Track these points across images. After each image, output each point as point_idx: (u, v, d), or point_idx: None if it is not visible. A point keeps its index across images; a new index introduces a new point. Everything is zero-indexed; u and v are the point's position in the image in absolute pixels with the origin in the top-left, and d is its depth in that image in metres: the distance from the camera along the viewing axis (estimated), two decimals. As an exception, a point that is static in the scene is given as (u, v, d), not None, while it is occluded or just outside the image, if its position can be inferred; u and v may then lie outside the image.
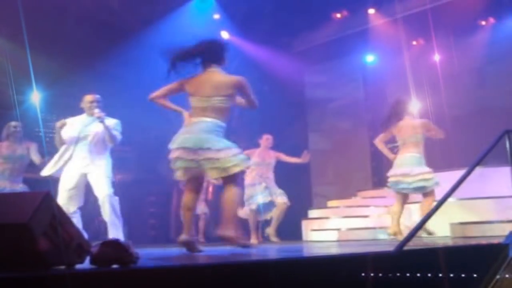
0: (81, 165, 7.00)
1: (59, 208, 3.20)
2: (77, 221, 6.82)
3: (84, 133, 7.09)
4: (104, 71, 10.27)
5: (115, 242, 3.15)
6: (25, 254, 2.93)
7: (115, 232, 6.88)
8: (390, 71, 13.26)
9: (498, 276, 4.67)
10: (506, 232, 5.28)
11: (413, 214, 8.82)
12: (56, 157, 7.05)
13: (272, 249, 6.45)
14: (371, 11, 12.71)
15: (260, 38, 12.65)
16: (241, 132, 11.49)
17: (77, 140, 7.07)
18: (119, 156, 9.38)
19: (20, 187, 8.17)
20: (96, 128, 7.07)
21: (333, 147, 13.30)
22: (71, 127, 7.11)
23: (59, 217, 3.13)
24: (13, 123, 8.30)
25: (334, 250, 5.24)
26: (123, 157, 7.55)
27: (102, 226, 9.83)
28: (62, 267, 3.00)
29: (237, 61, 12.69)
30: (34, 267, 2.89)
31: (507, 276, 4.72)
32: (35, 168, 8.01)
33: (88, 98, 7.15)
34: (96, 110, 7.01)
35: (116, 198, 7.00)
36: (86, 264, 3.11)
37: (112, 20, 10.73)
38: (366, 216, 10.17)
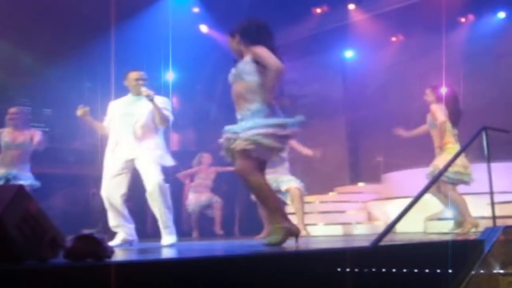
0: (127, 150, 6.39)
1: (33, 202, 3.16)
2: (123, 211, 6.44)
3: (128, 114, 6.46)
4: (81, 65, 10.20)
5: (89, 236, 3.12)
6: (-3, 248, 2.90)
7: (165, 227, 6.35)
8: (369, 67, 13.30)
9: (473, 272, 4.71)
10: (482, 228, 5.32)
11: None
12: (111, 145, 6.48)
13: (249, 244, 6.43)
14: (351, 6, 12.72)
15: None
16: (217, 126, 11.44)
17: (120, 123, 6.48)
18: (92, 150, 9.33)
19: (26, 176, 7.99)
20: (143, 108, 6.43)
21: (311, 142, 13.32)
22: (114, 109, 6.59)
23: (33, 211, 3.09)
24: (11, 110, 8.13)
25: (310, 246, 5.24)
26: (95, 151, 7.32)
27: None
28: (35, 261, 2.97)
29: (216, 55, 12.67)
30: (5, 261, 2.85)
31: (482, 271, 4.76)
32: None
33: (133, 75, 6.51)
34: (144, 88, 6.32)
35: (167, 185, 6.38)
36: (59, 258, 3.08)
37: (90, 13, 10.64)
38: (343, 212, 10.20)
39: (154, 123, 6.45)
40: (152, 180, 6.30)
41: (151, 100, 6.29)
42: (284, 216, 4.95)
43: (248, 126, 4.82)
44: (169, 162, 6.56)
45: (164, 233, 6.35)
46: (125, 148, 6.42)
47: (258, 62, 4.99)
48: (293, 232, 4.86)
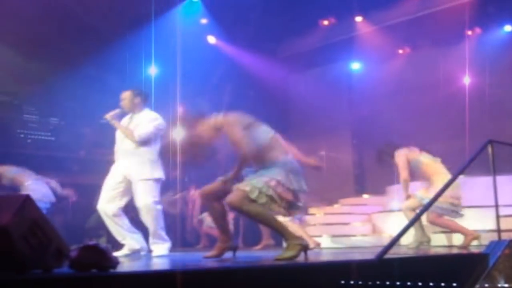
0: (122, 166, 6.63)
1: (39, 212, 3.18)
2: (121, 223, 6.57)
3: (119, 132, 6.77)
4: (89, 75, 10.23)
5: (94, 246, 3.13)
6: (3, 258, 2.91)
7: (153, 242, 6.54)
8: (375, 79, 13.29)
9: (477, 286, 4.69)
10: (487, 242, 5.30)
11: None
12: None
13: (253, 256, 6.43)
14: (359, 18, 12.74)
15: (246, 43, 12.65)
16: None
17: (118, 138, 6.76)
18: (97, 159, 9.34)
19: None
20: (134, 124, 6.67)
21: (316, 154, 13.32)
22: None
23: (39, 221, 3.11)
24: None
25: (314, 258, 5.24)
26: (100, 160, 7.32)
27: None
28: (40, 271, 2.98)
29: (223, 66, 12.71)
30: (11, 270, 2.87)
31: (486, 285, 4.75)
32: None
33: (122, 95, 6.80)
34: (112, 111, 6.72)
35: (158, 207, 6.54)
36: (64, 268, 3.09)
37: (98, 24, 10.68)
38: (347, 224, 10.18)
39: (142, 141, 6.59)
40: (140, 201, 6.49)
41: (110, 121, 6.63)
42: (292, 232, 4.97)
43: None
44: (158, 174, 6.65)
45: (154, 244, 6.55)
46: (122, 162, 6.63)
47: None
48: (305, 247, 4.86)
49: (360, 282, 3.78)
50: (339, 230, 9.92)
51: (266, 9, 11.73)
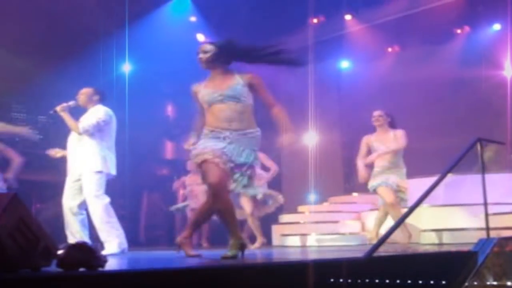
0: (72, 160, 6.81)
1: (27, 210, 3.16)
2: (82, 221, 6.62)
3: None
4: (76, 72, 10.17)
5: (83, 245, 3.12)
6: (-10, 257, 2.89)
7: (104, 240, 6.49)
8: (365, 77, 13.31)
9: (466, 284, 4.70)
10: (476, 240, 5.32)
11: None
12: None
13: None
14: (348, 17, 12.75)
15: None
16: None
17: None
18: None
19: None
20: (84, 118, 6.80)
21: (305, 152, 13.30)
22: None
23: (27, 219, 3.09)
24: None
25: (303, 256, 5.24)
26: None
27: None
28: (28, 270, 2.96)
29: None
30: (-2, 269, 2.85)
31: (475, 283, 4.76)
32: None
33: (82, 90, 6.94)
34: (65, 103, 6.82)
35: (103, 201, 6.55)
36: (52, 267, 3.07)
37: (86, 21, 10.63)
38: (336, 222, 10.19)
39: (87, 135, 6.68)
40: (85, 194, 6.55)
41: (59, 112, 6.73)
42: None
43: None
44: (101, 167, 6.65)
45: (105, 242, 6.49)
46: (70, 156, 6.82)
47: (251, 87, 5.05)
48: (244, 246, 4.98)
49: (349, 280, 3.78)
50: (328, 228, 9.93)
51: (255, 7, 11.72)
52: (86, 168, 6.60)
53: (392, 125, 8.28)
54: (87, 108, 6.87)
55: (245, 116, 4.99)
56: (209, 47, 5.14)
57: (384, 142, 8.19)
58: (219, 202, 4.85)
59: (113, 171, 6.79)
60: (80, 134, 6.67)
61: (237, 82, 5.01)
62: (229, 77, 5.06)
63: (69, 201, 6.64)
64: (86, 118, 6.74)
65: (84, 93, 6.86)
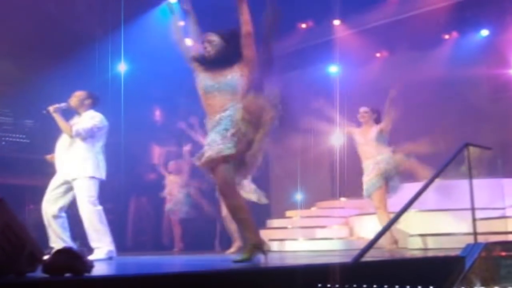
0: (61, 165, 6.71)
1: (12, 215, 3.13)
2: (62, 224, 6.55)
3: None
4: (65, 76, 10.13)
5: (68, 250, 3.09)
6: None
7: (96, 252, 6.41)
8: (353, 82, 13.32)
9: (454, 288, 4.70)
10: (464, 245, 5.33)
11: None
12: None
13: (228, 259, 6.40)
14: (336, 22, 12.78)
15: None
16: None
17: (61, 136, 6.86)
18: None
19: None
20: (76, 122, 6.75)
21: (293, 156, 13.31)
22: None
23: (12, 224, 3.06)
24: None
25: (291, 261, 5.22)
26: None
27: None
28: (12, 275, 2.93)
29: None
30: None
31: (463, 288, 4.76)
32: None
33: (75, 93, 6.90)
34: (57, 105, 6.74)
35: (96, 208, 6.50)
36: (38, 272, 3.04)
37: (76, 25, 10.58)
38: (324, 227, 10.18)
39: (79, 139, 6.63)
40: (77, 200, 6.48)
41: (52, 113, 6.63)
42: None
43: None
44: (93, 173, 6.61)
45: (95, 248, 6.43)
46: (60, 160, 6.70)
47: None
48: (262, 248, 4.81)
49: (337, 286, 3.77)
50: (316, 233, 9.92)
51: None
52: (80, 173, 6.53)
53: (378, 121, 8.46)
54: (77, 111, 6.82)
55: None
56: (214, 37, 5.22)
57: (365, 136, 8.39)
58: (227, 200, 4.85)
59: (104, 176, 6.76)
60: (72, 137, 6.62)
61: (234, 72, 5.07)
62: (228, 68, 5.10)
63: (49, 205, 6.56)
64: (81, 122, 6.70)
65: (77, 96, 6.82)
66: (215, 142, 4.77)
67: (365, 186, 8.19)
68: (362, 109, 8.60)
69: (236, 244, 9.03)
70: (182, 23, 12.31)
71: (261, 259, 4.75)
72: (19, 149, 10.31)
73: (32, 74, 10.17)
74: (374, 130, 8.33)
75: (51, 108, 6.68)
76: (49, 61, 10.23)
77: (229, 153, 4.68)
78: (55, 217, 6.54)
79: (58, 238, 6.49)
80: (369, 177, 8.10)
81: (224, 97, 4.95)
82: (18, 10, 9.92)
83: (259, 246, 4.75)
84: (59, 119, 6.68)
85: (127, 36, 10.77)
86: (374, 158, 8.19)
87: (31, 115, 11.00)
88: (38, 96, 9.91)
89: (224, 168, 4.71)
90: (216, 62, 5.11)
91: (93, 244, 6.45)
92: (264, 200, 8.95)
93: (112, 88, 10.45)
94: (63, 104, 6.76)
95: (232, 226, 8.98)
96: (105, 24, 10.87)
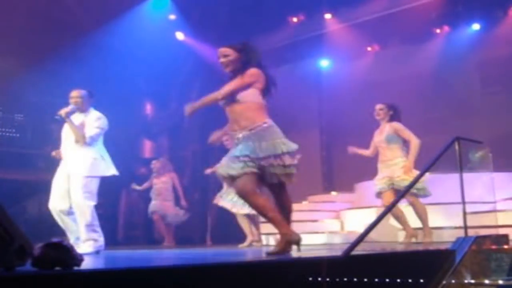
0: (65, 163, 6.69)
1: (0, 208, 3.10)
2: (74, 220, 6.54)
3: (67, 129, 6.78)
4: (54, 70, 10.09)
5: (58, 243, 3.07)
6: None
7: (83, 240, 6.42)
8: (344, 76, 13.33)
9: (444, 282, 4.71)
10: (454, 238, 5.34)
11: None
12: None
13: (220, 253, 6.40)
14: (328, 16, 12.77)
15: (215, 40, 12.61)
16: (190, 134, 11.32)
17: (64, 135, 6.83)
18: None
19: None
20: (76, 122, 6.72)
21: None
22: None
23: (1, 218, 3.04)
24: None
25: (282, 254, 5.21)
26: None
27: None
28: (1, 269, 2.91)
29: (191, 62, 12.62)
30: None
31: (453, 281, 4.77)
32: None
33: (71, 93, 6.82)
34: (67, 108, 6.68)
35: (88, 204, 6.46)
36: (27, 266, 3.02)
37: (65, 18, 10.54)
38: (316, 221, 10.19)
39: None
40: (72, 196, 6.47)
41: (65, 118, 6.59)
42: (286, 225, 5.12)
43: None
44: (95, 172, 6.60)
45: (84, 241, 6.42)
46: (65, 160, 6.68)
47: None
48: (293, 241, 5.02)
49: (328, 279, 3.77)
50: (307, 227, 9.92)
51: (235, 5, 11.70)
52: (76, 171, 6.53)
53: (394, 118, 7.95)
54: (81, 111, 6.78)
55: (248, 115, 5.16)
56: (229, 50, 5.29)
57: (379, 135, 7.96)
58: (249, 205, 5.06)
59: (108, 172, 6.75)
60: (85, 143, 6.62)
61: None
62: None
63: (60, 202, 6.56)
64: (88, 125, 6.68)
65: (81, 96, 6.77)
66: (228, 159, 4.98)
67: (375, 189, 7.88)
68: (378, 106, 8.02)
69: (249, 239, 9.04)
70: (173, 17, 12.33)
71: (293, 251, 5.00)
72: (9, 143, 10.27)
73: (21, 69, 10.13)
74: (386, 129, 7.84)
75: (62, 113, 6.63)
76: (38, 55, 10.18)
77: (234, 174, 4.83)
78: (68, 213, 6.56)
79: (73, 231, 6.56)
80: (380, 182, 7.76)
81: (242, 112, 5.20)
82: (5, 4, 9.87)
83: (292, 240, 5.00)
84: (72, 127, 6.66)
85: (117, 29, 10.75)
86: (386, 163, 7.77)
87: (20, 109, 10.96)
88: (27, 90, 9.88)
89: (239, 180, 4.84)
90: (234, 75, 5.25)
91: (81, 237, 6.44)
92: None
93: (101, 82, 10.42)
94: (71, 107, 6.70)
95: (243, 222, 9.03)
96: (95, 17, 10.85)
